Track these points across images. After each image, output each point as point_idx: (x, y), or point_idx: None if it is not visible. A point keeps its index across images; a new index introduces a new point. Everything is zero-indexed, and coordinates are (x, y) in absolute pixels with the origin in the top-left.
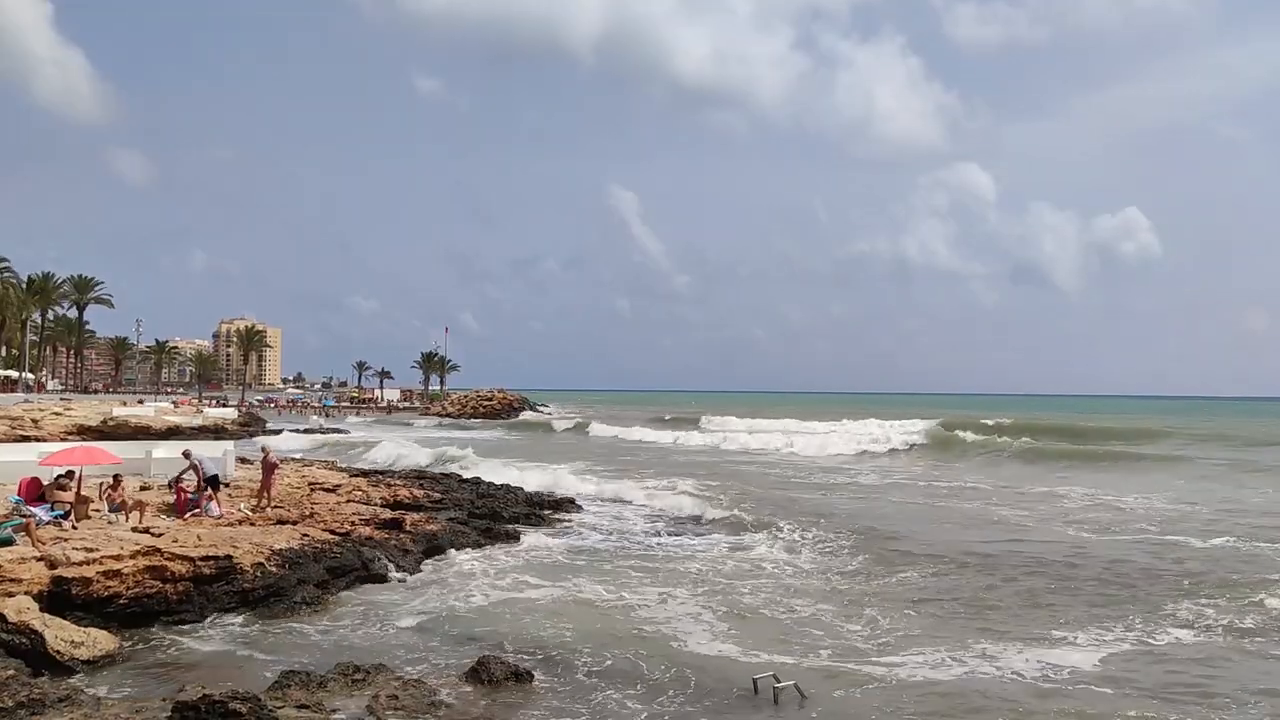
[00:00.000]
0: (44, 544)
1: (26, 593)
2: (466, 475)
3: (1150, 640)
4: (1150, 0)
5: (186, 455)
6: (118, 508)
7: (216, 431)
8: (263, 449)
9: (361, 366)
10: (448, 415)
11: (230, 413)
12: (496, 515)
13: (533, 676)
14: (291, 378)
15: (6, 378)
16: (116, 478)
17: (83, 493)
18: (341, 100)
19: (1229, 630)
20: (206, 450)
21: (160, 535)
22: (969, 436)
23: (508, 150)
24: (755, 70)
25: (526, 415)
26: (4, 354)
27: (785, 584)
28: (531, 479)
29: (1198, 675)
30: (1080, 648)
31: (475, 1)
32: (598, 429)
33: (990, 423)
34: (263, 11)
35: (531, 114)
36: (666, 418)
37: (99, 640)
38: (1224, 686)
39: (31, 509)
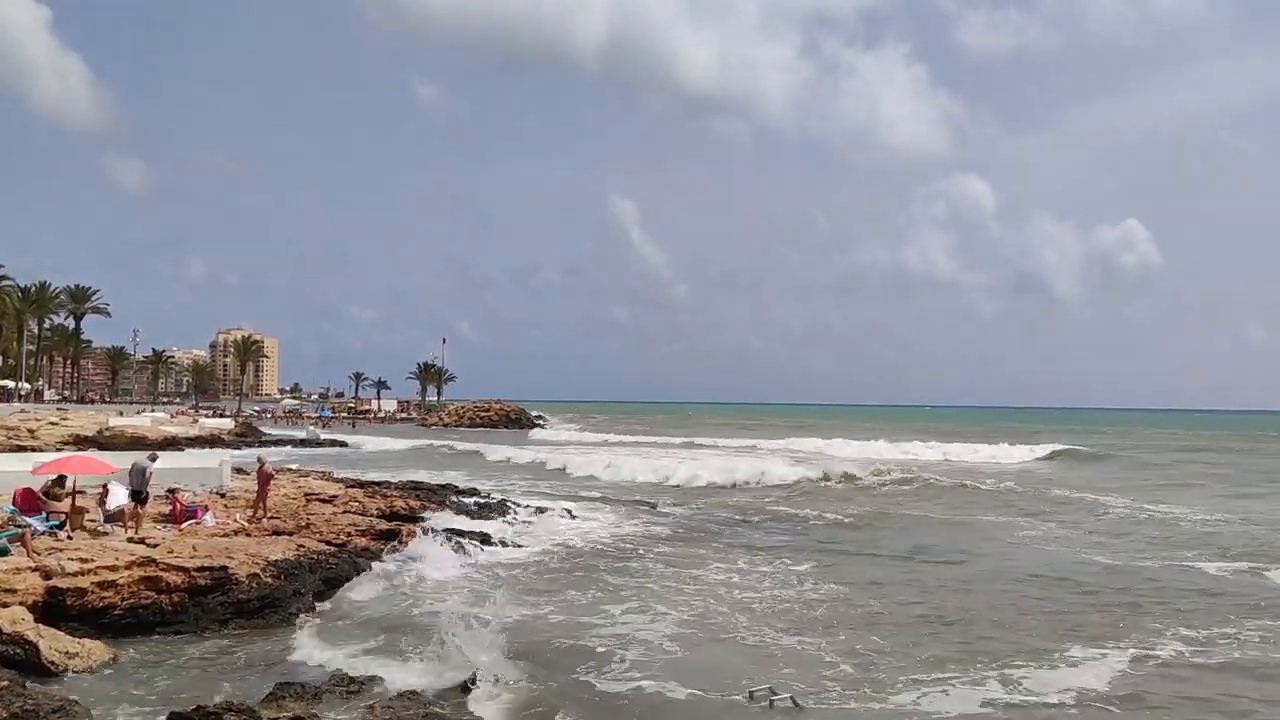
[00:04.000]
0: (39, 554)
1: (21, 603)
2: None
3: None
4: (1158, 9)
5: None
6: (113, 518)
7: (212, 442)
8: (259, 459)
9: (359, 377)
10: (445, 426)
11: (227, 423)
12: (492, 523)
13: (528, 689)
14: (289, 388)
15: (3, 388)
16: (105, 487)
17: (78, 503)
18: (341, 107)
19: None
20: (162, 461)
21: (156, 546)
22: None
23: (508, 158)
24: (760, 77)
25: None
26: (0, 364)
27: (772, 598)
28: None
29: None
30: (1085, 668)
31: (478, 6)
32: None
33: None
34: (264, 17)
35: (532, 121)
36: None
37: (93, 651)
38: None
39: (27, 519)
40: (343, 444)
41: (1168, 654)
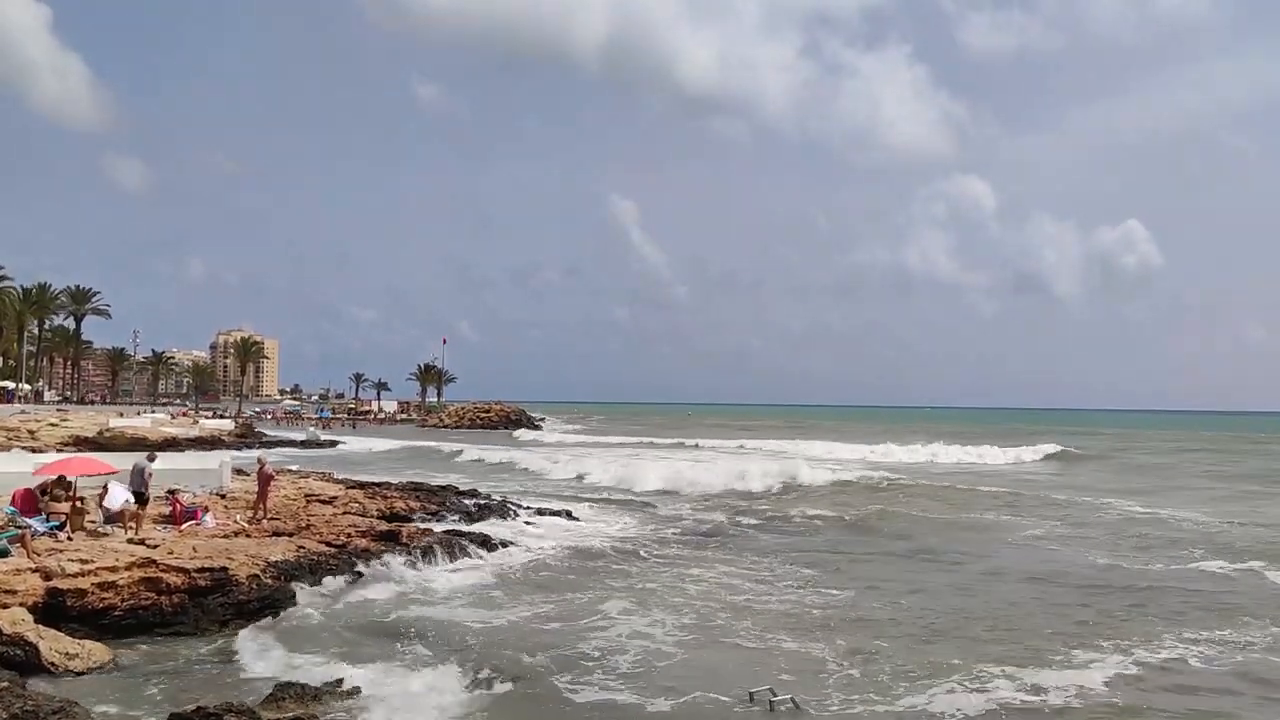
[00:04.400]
0: (39, 556)
1: (21, 604)
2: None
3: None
4: (1158, 10)
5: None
6: (113, 519)
7: (213, 443)
8: (259, 460)
9: (359, 378)
10: (444, 427)
11: (227, 424)
12: (494, 526)
13: (529, 689)
14: (289, 389)
15: (3, 389)
16: (106, 487)
17: (78, 504)
18: (341, 107)
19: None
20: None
21: (156, 547)
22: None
23: (508, 158)
24: (760, 77)
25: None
26: (0, 365)
27: (772, 601)
28: None
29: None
30: (1088, 672)
31: (478, 6)
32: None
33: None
34: (264, 17)
35: (532, 121)
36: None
37: (94, 652)
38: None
39: (27, 520)
40: (332, 444)
41: (1172, 657)
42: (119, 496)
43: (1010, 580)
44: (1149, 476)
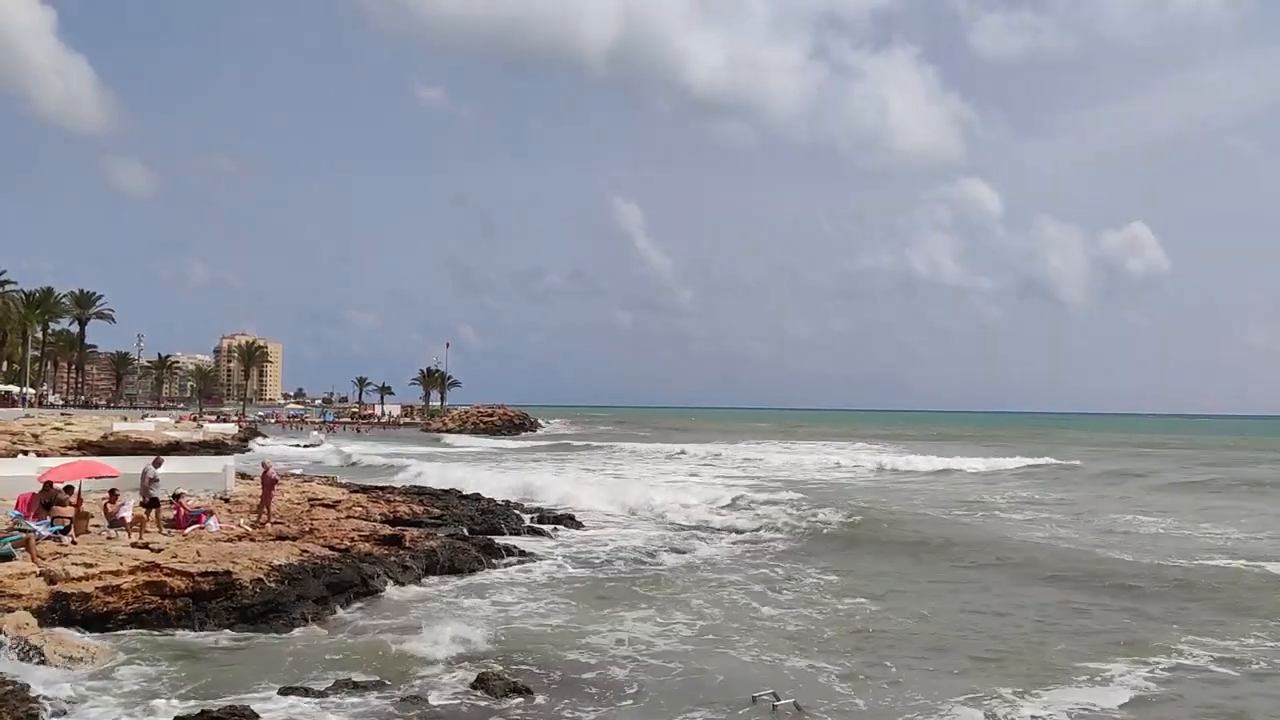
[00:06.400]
0: (44, 559)
1: (26, 608)
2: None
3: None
4: (1168, 13)
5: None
6: (117, 522)
7: (217, 447)
8: (263, 464)
9: (362, 382)
10: (448, 430)
11: (230, 428)
12: (496, 531)
13: (532, 692)
14: (292, 393)
15: (7, 393)
16: (113, 492)
17: (82, 508)
18: (345, 111)
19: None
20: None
21: (160, 551)
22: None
23: (511, 161)
24: (768, 80)
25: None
26: (4, 369)
27: (777, 609)
28: None
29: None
30: (1094, 681)
31: (483, 8)
32: None
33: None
34: (268, 20)
35: (536, 123)
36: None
37: (97, 655)
38: None
39: (31, 524)
40: (242, 450)
41: (1189, 664)
42: (130, 505)
43: (1016, 588)
44: (1153, 481)
